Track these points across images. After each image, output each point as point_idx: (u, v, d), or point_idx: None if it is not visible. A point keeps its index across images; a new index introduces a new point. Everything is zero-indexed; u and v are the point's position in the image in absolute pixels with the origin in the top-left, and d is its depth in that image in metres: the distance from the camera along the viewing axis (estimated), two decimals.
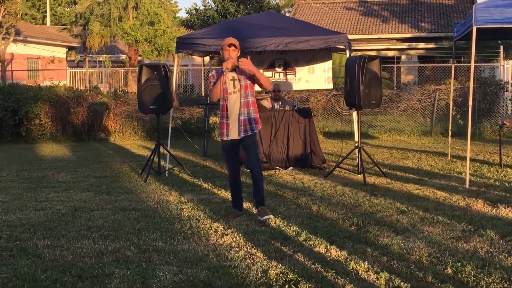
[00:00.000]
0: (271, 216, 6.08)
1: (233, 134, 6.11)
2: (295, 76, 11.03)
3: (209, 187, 8.08)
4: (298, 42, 9.31)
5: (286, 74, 11.06)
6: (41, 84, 16.82)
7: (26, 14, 40.66)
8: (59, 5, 51.44)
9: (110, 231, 5.75)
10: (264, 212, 6.10)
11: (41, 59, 27.71)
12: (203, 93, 18.48)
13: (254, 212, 6.39)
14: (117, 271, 4.49)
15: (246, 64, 5.90)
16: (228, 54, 6.04)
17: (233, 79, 6.09)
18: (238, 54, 6.10)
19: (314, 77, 11.00)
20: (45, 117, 15.33)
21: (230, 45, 6.06)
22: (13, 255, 4.96)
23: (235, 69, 6.10)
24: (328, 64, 10.98)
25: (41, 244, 5.29)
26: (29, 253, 5.02)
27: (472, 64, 8.04)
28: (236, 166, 6.33)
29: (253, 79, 6.08)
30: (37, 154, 12.55)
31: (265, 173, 9.17)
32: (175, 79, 9.66)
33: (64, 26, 35.30)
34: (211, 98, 6.26)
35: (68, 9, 51.72)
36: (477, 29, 7.74)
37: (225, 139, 6.15)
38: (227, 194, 7.48)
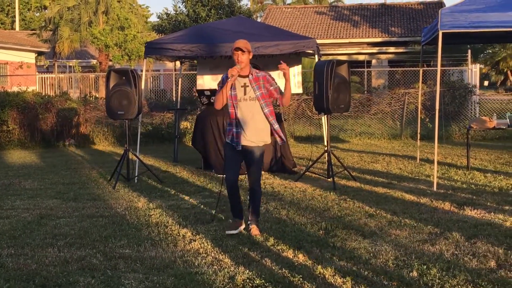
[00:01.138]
0: (258, 235, 5.71)
1: (246, 142, 5.69)
2: None
3: (179, 193, 8.03)
4: (268, 47, 9.32)
5: None
6: (8, 90, 16.56)
7: None
8: (28, 10, 50.84)
9: (76, 238, 5.67)
10: (255, 231, 5.76)
11: (10, 64, 27.32)
12: (174, 98, 18.38)
13: (230, 221, 6.37)
14: (82, 279, 4.43)
15: (284, 68, 5.63)
16: (237, 58, 5.60)
17: (244, 86, 5.66)
18: (250, 57, 5.68)
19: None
20: (12, 123, 15.08)
21: (237, 49, 5.61)
22: None
23: (248, 75, 5.68)
24: (298, 68, 11.01)
25: (5, 253, 5.20)
26: None
27: (439, 68, 8.13)
28: (236, 172, 5.81)
29: (270, 90, 5.71)
30: (4, 161, 12.34)
31: None
32: (146, 84, 9.60)
33: (33, 31, 34.93)
34: (215, 105, 5.81)
35: (38, 14, 51.16)
36: (443, 33, 7.83)
37: (232, 149, 5.74)
38: (196, 200, 7.46)
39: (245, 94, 5.67)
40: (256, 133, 5.70)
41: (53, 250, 5.26)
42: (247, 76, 5.68)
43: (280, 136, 5.87)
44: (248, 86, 5.67)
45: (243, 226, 5.83)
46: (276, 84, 5.84)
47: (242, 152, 5.76)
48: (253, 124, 5.68)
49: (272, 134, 5.86)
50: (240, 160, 5.85)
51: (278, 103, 5.97)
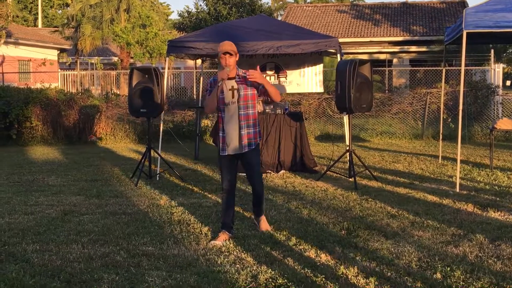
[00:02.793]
0: (270, 230, 5.82)
1: (232, 149, 5.57)
2: (286, 79, 11.03)
3: (200, 191, 8.07)
4: (289, 46, 9.31)
5: (277, 77, 11.06)
6: (32, 87, 16.74)
7: (17, 16, 40.50)
8: (51, 7, 51.35)
9: (100, 235, 5.72)
10: (265, 225, 5.87)
11: (33, 61, 27.60)
12: (195, 96, 18.45)
13: (249, 216, 6.39)
14: (106, 276, 4.48)
15: (254, 77, 5.43)
16: (225, 62, 5.46)
17: (232, 89, 5.54)
18: (237, 59, 5.56)
19: (305, 80, 11.00)
20: (36, 120, 15.26)
21: (225, 53, 5.47)
22: (1, 260, 4.94)
23: (234, 77, 5.57)
24: (319, 67, 10.98)
25: (30, 248, 5.27)
26: (17, 258, 5.00)
27: (463, 68, 8.06)
28: (232, 183, 5.70)
29: (259, 89, 5.56)
30: (27, 157, 12.49)
31: None
32: (166, 82, 9.64)
33: (55, 28, 35.25)
34: (205, 110, 5.81)
35: (60, 11, 51.64)
36: (467, 33, 7.77)
37: (220, 154, 5.63)
38: (217, 198, 7.48)
39: (233, 97, 5.55)
40: (245, 135, 5.58)
41: (77, 247, 5.31)
42: (234, 78, 5.57)
43: (254, 141, 5.64)
44: (236, 88, 5.55)
45: (228, 238, 5.55)
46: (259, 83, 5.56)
47: (236, 157, 5.67)
48: (242, 129, 5.56)
49: (252, 137, 5.64)
50: (235, 166, 5.73)
51: (268, 100, 5.72)
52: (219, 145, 5.65)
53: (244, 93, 5.55)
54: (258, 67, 5.65)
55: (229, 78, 5.53)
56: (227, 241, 5.45)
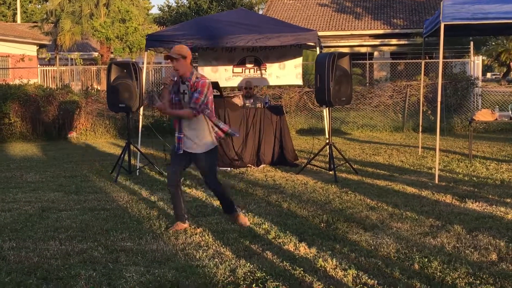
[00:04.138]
0: (247, 223, 5.80)
1: (186, 148, 5.61)
2: (265, 71, 11.02)
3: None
4: (268, 39, 9.29)
5: (256, 70, 11.04)
6: (10, 83, 16.55)
7: None
8: (30, 2, 50.81)
9: (78, 231, 5.68)
10: (239, 220, 5.85)
11: (11, 57, 27.29)
12: None
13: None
14: (83, 272, 4.44)
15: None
16: (172, 66, 5.52)
17: (183, 93, 5.57)
18: (188, 61, 5.50)
19: (285, 73, 10.98)
20: (14, 116, 15.09)
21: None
22: None
23: (185, 82, 5.53)
24: (299, 60, 10.97)
25: (6, 246, 5.21)
26: None
27: (441, 60, 8.10)
28: (176, 176, 5.73)
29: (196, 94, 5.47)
30: (6, 154, 12.36)
31: (236, 170, 9.17)
32: (147, 76, 9.58)
33: (35, 24, 34.89)
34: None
35: (39, 6, 51.11)
36: (445, 25, 7.81)
37: (179, 152, 5.64)
38: (197, 193, 7.46)
39: (184, 99, 5.57)
40: (198, 137, 5.56)
41: (54, 243, 5.26)
42: (185, 82, 5.54)
43: (217, 134, 5.70)
44: (186, 93, 5.54)
45: (186, 227, 5.71)
46: (199, 94, 5.47)
47: (187, 156, 5.67)
48: (194, 128, 5.56)
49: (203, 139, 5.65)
50: (184, 162, 5.75)
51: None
52: (177, 145, 5.65)
53: (193, 96, 5.47)
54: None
55: (183, 82, 5.54)
56: (187, 228, 5.64)
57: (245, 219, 5.86)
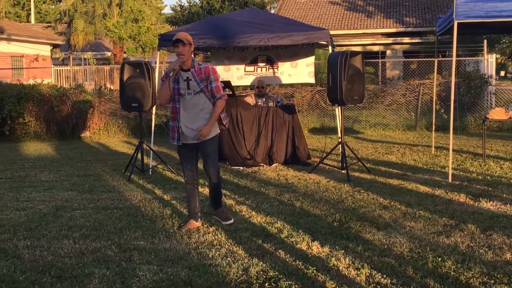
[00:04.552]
0: (232, 221, 5.88)
1: (188, 138, 5.63)
2: (277, 70, 11.02)
3: None
4: (280, 38, 9.28)
5: (268, 69, 11.05)
6: (24, 83, 16.67)
7: (9, 12, 40.35)
8: (43, 2, 51.12)
9: (91, 230, 5.71)
10: (224, 215, 5.95)
11: (25, 57, 27.49)
12: None
13: (235, 211, 6.38)
14: (97, 271, 4.47)
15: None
16: (178, 51, 5.44)
17: (188, 79, 5.52)
18: (192, 49, 5.54)
19: (297, 71, 10.98)
20: (28, 116, 15.21)
21: (177, 40, 5.44)
22: None
23: (189, 68, 5.53)
24: (311, 59, 10.96)
25: (21, 244, 5.25)
26: (8, 254, 4.98)
27: (454, 59, 8.05)
28: (193, 173, 5.84)
29: (210, 88, 5.55)
30: (20, 153, 12.45)
31: (249, 170, 9.17)
32: (160, 76, 9.61)
33: (48, 24, 35.09)
34: (159, 100, 5.73)
35: (53, 6, 51.40)
36: (459, 23, 7.76)
37: (175, 143, 5.71)
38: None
39: (188, 88, 5.53)
40: (202, 126, 5.56)
41: (68, 242, 5.30)
42: (189, 70, 5.54)
43: (223, 123, 5.80)
44: (191, 79, 5.52)
45: (199, 225, 5.74)
46: (216, 82, 5.60)
47: (194, 147, 5.73)
48: (199, 117, 5.58)
49: (220, 124, 5.80)
50: (195, 156, 5.83)
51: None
52: (173, 135, 5.68)
53: (203, 84, 5.54)
54: (211, 66, 5.68)
55: (185, 70, 5.53)
56: (200, 227, 5.66)
57: (229, 215, 5.95)
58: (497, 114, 9.88)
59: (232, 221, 5.89)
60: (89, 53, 29.51)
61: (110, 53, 32.13)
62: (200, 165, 5.95)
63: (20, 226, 5.92)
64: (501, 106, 14.40)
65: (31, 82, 16.81)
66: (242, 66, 11.09)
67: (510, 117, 9.86)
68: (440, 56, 21.83)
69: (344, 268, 4.41)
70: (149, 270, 4.45)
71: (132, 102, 8.84)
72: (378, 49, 27.51)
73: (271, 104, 9.94)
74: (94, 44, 33.04)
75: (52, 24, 33.17)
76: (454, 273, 4.25)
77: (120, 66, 9.28)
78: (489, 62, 17.22)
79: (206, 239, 5.32)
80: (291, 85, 15.27)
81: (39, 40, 29.95)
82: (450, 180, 7.78)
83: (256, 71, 11.04)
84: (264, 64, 11.05)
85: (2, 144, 14.53)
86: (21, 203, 7.10)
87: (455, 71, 8.45)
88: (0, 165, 10.54)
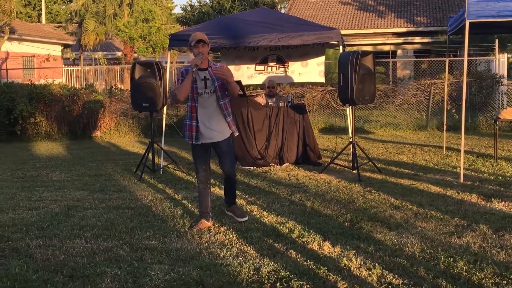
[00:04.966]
0: (246, 218, 5.99)
1: (205, 137, 5.71)
2: (288, 69, 11.01)
3: None
4: (291, 38, 9.27)
5: (279, 67, 11.04)
6: (36, 83, 16.76)
7: (21, 12, 40.55)
8: (54, 3, 51.36)
9: (103, 230, 5.73)
10: (239, 212, 6.05)
11: (36, 57, 27.64)
12: None
13: (246, 210, 6.38)
14: (109, 270, 4.48)
15: (222, 74, 5.56)
16: (198, 51, 5.58)
17: (205, 79, 5.65)
18: (208, 49, 5.70)
19: (307, 70, 10.97)
20: (40, 116, 15.29)
21: (198, 41, 5.57)
22: (5, 256, 4.95)
23: (207, 68, 5.68)
24: (321, 58, 10.94)
25: (33, 244, 5.28)
26: (21, 253, 5.01)
27: (465, 58, 8.02)
28: (207, 173, 5.90)
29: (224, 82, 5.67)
30: (32, 153, 12.52)
31: (259, 170, 9.17)
32: (170, 76, 9.64)
33: (59, 24, 35.24)
34: (178, 97, 5.74)
35: (64, 6, 51.64)
36: (470, 23, 7.72)
37: (193, 142, 5.75)
38: (221, 191, 7.47)
39: (206, 87, 5.66)
40: (219, 125, 5.73)
41: (80, 241, 5.32)
42: (207, 69, 5.68)
43: (232, 129, 5.83)
44: (208, 79, 5.66)
45: (210, 224, 5.79)
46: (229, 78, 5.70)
47: (208, 146, 5.83)
48: (215, 116, 5.72)
49: (226, 126, 5.81)
50: (208, 155, 5.92)
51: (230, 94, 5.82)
52: (190, 134, 5.74)
53: (216, 83, 5.66)
54: (226, 66, 5.83)
55: (202, 69, 5.65)
56: (211, 227, 5.71)
57: (243, 212, 6.08)
58: (509, 114, 9.82)
59: (246, 218, 5.96)
60: (100, 53, 29.63)
61: (120, 53, 32.24)
62: (213, 165, 5.96)
63: (32, 226, 5.95)
64: None
65: (42, 82, 16.90)
66: (252, 66, 11.11)
67: None
68: (451, 55, 21.71)
69: (355, 268, 4.41)
70: (161, 270, 4.46)
71: (143, 102, 8.86)
72: (389, 48, 27.43)
73: (281, 104, 9.94)
74: (105, 44, 33.16)
75: (63, 24, 33.32)
76: (466, 274, 4.23)
77: (130, 66, 9.30)
78: (500, 61, 17.12)
79: (217, 238, 5.32)
80: (302, 85, 15.26)
81: (50, 40, 30.09)
82: (461, 180, 7.74)
83: (266, 70, 11.05)
84: (274, 63, 11.06)
85: (13, 144, 14.62)
86: (33, 202, 7.14)
87: (467, 71, 8.40)
88: (12, 165, 10.60)
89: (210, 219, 5.83)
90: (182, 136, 5.86)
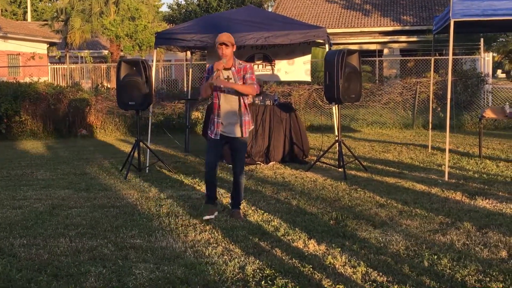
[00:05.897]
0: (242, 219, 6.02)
1: (225, 131, 5.94)
2: (274, 67, 11.01)
3: (190, 183, 8.05)
4: (277, 36, 9.28)
5: (265, 66, 11.03)
6: (21, 81, 16.65)
7: (6, 10, 40.25)
8: (40, 0, 51.01)
9: (88, 229, 5.70)
10: (239, 216, 6.04)
11: (22, 55, 27.45)
12: (185, 88, 18.42)
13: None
14: (93, 269, 4.46)
15: (218, 82, 5.79)
16: (221, 52, 5.82)
17: (228, 78, 5.87)
18: (234, 50, 5.90)
19: (294, 69, 10.96)
20: (25, 114, 15.19)
21: (221, 43, 5.81)
22: None
23: (231, 67, 5.89)
24: (307, 57, 10.95)
25: (17, 243, 5.24)
26: (4, 252, 4.97)
27: (450, 57, 8.06)
28: (215, 163, 6.09)
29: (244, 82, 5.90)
30: (17, 152, 12.43)
31: (246, 168, 9.15)
32: (157, 74, 9.61)
33: (45, 22, 34.98)
34: (201, 94, 6.09)
35: (50, 4, 51.31)
36: (455, 22, 7.76)
37: (214, 137, 5.96)
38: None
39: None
40: (238, 122, 5.94)
41: (64, 240, 5.29)
42: (230, 69, 5.89)
43: (244, 130, 5.97)
44: (231, 78, 5.87)
45: (217, 213, 6.09)
46: (251, 74, 5.96)
47: (225, 142, 6.08)
48: (236, 114, 5.94)
49: (244, 125, 5.98)
50: (221, 148, 6.17)
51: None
52: (212, 129, 5.98)
53: (240, 83, 5.87)
54: (249, 65, 6.08)
55: (226, 68, 5.87)
56: (216, 213, 6.05)
57: (241, 215, 6.10)
58: (494, 112, 9.90)
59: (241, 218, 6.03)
60: (86, 51, 29.46)
61: (107, 51, 32.08)
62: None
63: (16, 225, 5.91)
64: (498, 105, 14.43)
65: (27, 80, 16.78)
66: None
67: (506, 116, 9.88)
68: (437, 54, 21.86)
69: (340, 266, 4.42)
70: (146, 268, 4.45)
71: (129, 100, 8.81)
72: (375, 47, 27.52)
73: (268, 102, 9.94)
74: (91, 42, 32.97)
75: (48, 22, 33.07)
76: (450, 271, 4.26)
77: (117, 64, 9.26)
78: (485, 60, 17.26)
79: (203, 237, 5.32)
80: (288, 83, 15.27)
81: (36, 38, 29.90)
82: (446, 178, 7.79)
83: None
84: (261, 61, 11.05)
85: None
86: (17, 201, 7.09)
87: (452, 70, 8.46)
88: None
89: (215, 203, 6.16)
90: (204, 133, 6.08)
